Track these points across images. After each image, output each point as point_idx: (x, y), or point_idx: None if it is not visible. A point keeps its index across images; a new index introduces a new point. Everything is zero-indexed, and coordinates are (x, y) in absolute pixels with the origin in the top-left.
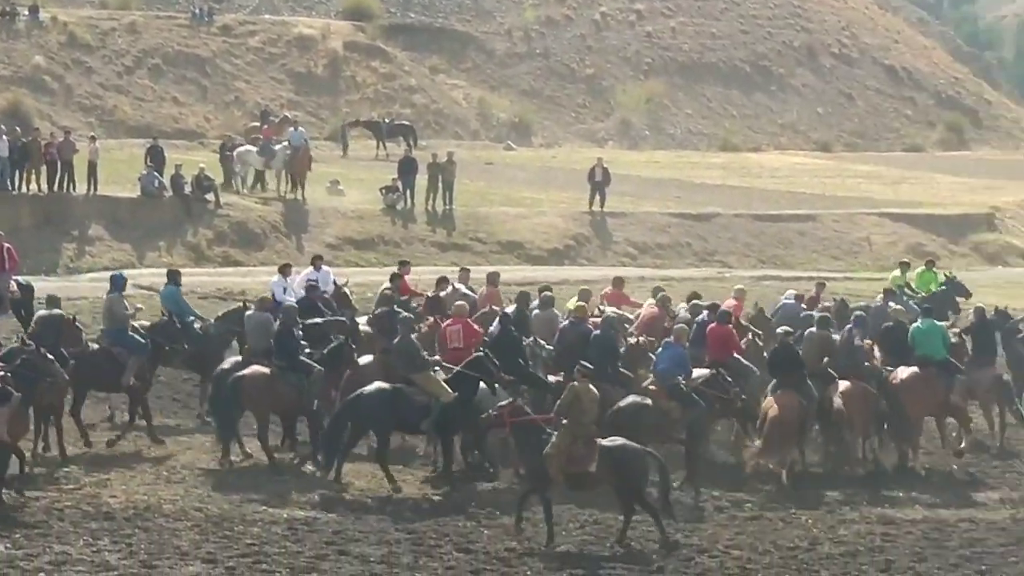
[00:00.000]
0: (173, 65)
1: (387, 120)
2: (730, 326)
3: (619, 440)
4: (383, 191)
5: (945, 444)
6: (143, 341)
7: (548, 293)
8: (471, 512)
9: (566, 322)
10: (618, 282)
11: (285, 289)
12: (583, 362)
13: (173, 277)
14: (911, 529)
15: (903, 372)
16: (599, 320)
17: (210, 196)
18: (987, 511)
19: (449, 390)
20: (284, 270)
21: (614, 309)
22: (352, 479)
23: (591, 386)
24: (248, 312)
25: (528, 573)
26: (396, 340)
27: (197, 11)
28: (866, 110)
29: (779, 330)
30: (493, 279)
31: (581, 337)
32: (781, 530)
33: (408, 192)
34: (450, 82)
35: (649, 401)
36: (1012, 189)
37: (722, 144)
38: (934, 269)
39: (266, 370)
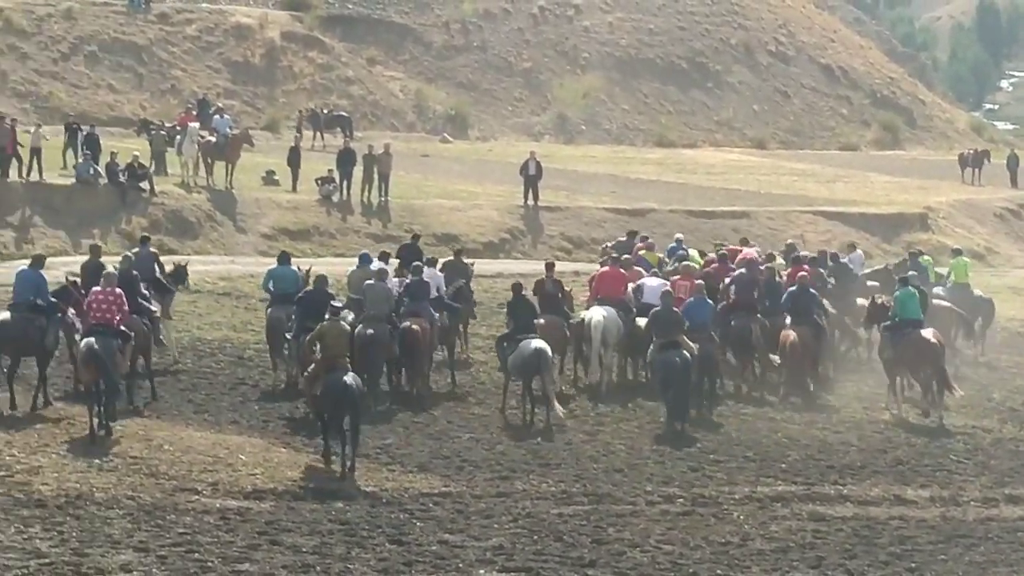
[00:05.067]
0: (109, 52)
1: (325, 111)
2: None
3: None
4: (319, 182)
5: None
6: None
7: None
8: (404, 504)
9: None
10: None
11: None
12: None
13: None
14: (842, 526)
15: (927, 332)
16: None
17: (144, 184)
18: (918, 509)
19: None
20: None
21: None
22: (285, 469)
23: (339, 323)
24: (368, 282)
25: (460, 566)
26: (658, 309)
27: None
28: (801, 108)
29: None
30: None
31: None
32: (713, 525)
33: (345, 183)
34: (387, 74)
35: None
36: (945, 189)
37: (658, 140)
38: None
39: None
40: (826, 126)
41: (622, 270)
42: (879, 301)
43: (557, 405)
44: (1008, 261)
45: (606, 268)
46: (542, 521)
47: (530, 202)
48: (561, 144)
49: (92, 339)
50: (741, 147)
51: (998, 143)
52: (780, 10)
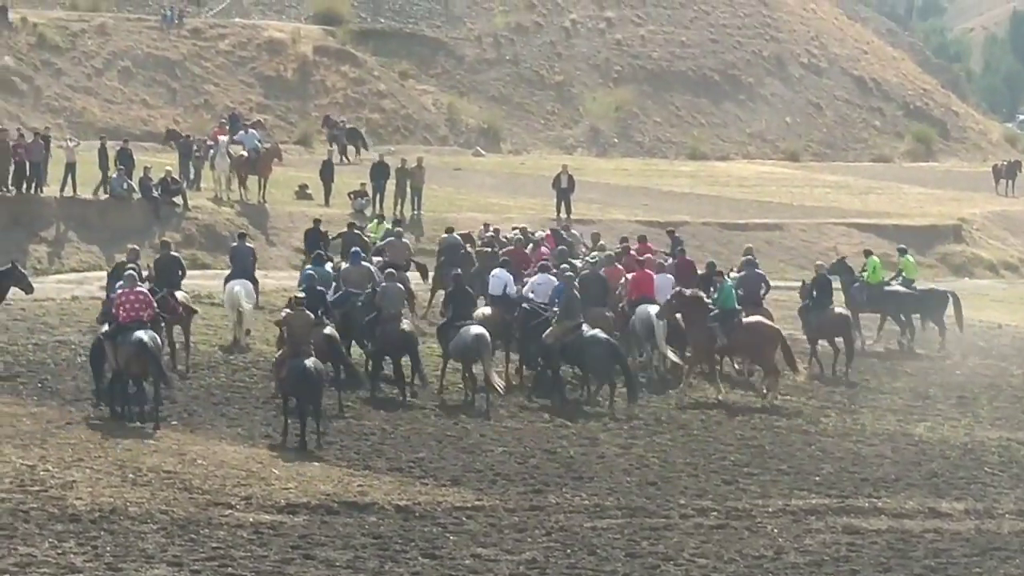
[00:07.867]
0: (143, 67)
1: (342, 122)
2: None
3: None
4: (351, 196)
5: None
6: None
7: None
8: (437, 518)
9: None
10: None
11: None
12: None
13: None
14: (876, 539)
15: (758, 317)
16: None
17: (178, 199)
18: (952, 521)
19: None
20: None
21: None
22: (318, 483)
23: (304, 312)
24: (383, 284)
25: None
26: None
27: (167, 13)
28: (834, 120)
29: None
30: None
31: None
32: (746, 539)
33: (378, 197)
34: (420, 87)
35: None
36: (979, 201)
37: (690, 152)
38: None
39: None
40: (859, 138)
41: (648, 271)
42: (687, 293)
43: (497, 380)
44: None
45: (637, 271)
46: (575, 535)
47: (563, 215)
48: (594, 157)
49: (142, 333)
50: (774, 159)
51: None
52: (812, 22)
